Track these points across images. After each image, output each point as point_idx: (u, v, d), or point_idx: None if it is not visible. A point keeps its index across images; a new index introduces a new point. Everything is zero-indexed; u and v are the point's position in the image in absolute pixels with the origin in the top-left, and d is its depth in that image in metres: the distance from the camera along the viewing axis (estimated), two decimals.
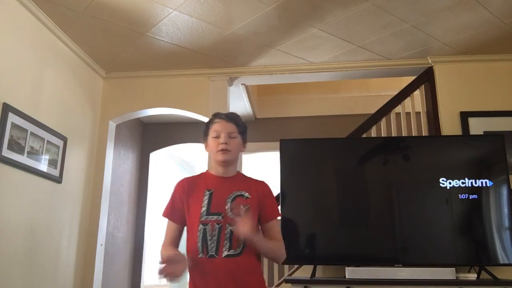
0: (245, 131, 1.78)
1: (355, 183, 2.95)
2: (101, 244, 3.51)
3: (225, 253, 1.60)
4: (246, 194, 1.69)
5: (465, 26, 3.03)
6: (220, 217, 1.63)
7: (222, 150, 1.68)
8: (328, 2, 2.77)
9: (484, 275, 2.66)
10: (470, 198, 2.76)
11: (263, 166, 4.80)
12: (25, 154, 2.73)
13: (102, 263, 3.51)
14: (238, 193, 1.68)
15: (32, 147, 2.80)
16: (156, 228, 5.22)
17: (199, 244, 1.61)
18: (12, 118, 2.61)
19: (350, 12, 2.87)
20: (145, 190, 4.75)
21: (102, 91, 3.76)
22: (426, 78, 3.49)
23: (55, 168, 3.05)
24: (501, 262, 2.68)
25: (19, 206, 2.68)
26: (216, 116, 1.76)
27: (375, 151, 2.97)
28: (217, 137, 1.71)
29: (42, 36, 2.97)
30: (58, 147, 3.08)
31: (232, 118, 1.75)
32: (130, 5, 2.80)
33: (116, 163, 4.08)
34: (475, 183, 2.77)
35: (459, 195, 2.76)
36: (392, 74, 3.72)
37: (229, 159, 1.71)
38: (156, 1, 2.77)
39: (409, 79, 3.63)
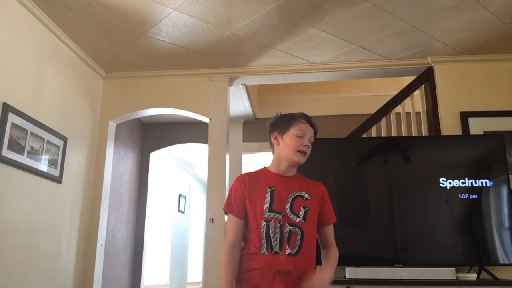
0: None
1: (355, 183, 2.95)
2: (101, 244, 3.51)
3: (288, 251, 1.59)
4: (306, 195, 1.67)
5: (465, 26, 3.03)
6: (280, 216, 1.62)
7: (303, 152, 1.67)
8: (328, 2, 2.77)
9: (484, 275, 2.67)
10: (470, 198, 2.76)
11: (263, 166, 4.79)
12: (25, 154, 2.73)
13: (102, 263, 3.51)
14: (298, 194, 1.67)
15: (32, 147, 2.80)
16: (156, 228, 5.23)
17: (263, 240, 1.60)
18: (12, 118, 2.61)
19: (350, 12, 2.87)
20: (145, 190, 4.76)
21: (102, 91, 3.76)
22: (426, 78, 3.49)
23: (55, 168, 3.05)
24: (501, 262, 2.68)
25: (19, 206, 2.68)
26: (302, 116, 1.73)
27: (375, 151, 2.97)
28: (301, 137, 1.68)
29: (42, 36, 2.97)
30: (58, 147, 3.08)
31: (314, 125, 1.74)
32: (130, 5, 2.80)
33: (116, 163, 4.09)
34: (475, 183, 2.77)
35: (459, 195, 2.76)
36: (392, 74, 3.72)
37: (303, 163, 1.70)
38: (156, 1, 2.77)
39: (409, 79, 3.63)
